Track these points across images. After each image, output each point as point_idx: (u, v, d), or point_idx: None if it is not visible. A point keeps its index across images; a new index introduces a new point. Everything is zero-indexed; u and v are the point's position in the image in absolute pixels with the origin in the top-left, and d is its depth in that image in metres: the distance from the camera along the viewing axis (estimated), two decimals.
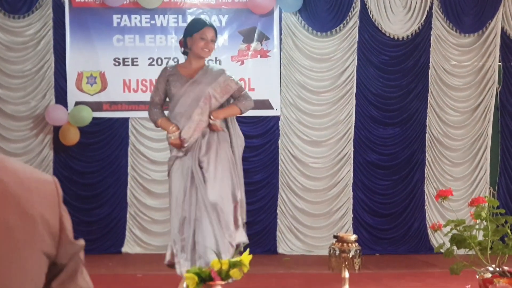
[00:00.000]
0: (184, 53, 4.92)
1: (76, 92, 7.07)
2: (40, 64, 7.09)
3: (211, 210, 4.61)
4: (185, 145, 4.69)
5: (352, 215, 7.26)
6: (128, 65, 7.12)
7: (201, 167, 4.71)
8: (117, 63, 7.11)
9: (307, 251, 7.13)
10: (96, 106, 7.07)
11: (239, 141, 4.97)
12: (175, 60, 7.06)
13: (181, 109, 4.73)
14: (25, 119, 7.09)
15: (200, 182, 4.67)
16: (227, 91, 4.82)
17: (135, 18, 7.12)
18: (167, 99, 4.92)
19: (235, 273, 3.83)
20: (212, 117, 4.69)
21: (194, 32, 4.78)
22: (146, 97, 7.03)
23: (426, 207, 7.31)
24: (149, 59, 7.13)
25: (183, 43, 4.88)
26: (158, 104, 4.90)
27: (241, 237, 4.69)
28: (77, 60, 7.08)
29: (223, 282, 3.82)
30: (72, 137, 7.00)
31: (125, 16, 7.11)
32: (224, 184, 4.69)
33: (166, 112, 4.96)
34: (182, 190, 4.73)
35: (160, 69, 6.98)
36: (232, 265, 3.83)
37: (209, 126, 4.71)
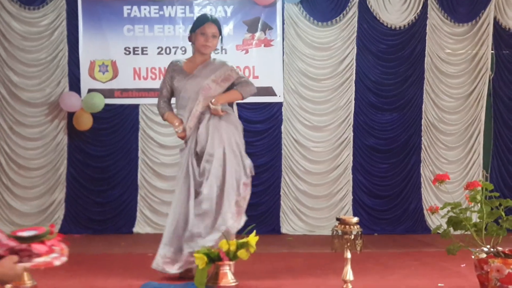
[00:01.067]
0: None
1: (89, 79, 7.05)
2: (54, 53, 7.07)
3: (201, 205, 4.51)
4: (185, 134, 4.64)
5: (351, 197, 7.25)
6: (138, 54, 7.09)
7: (197, 161, 4.63)
8: (127, 52, 7.09)
9: (309, 231, 7.13)
10: (108, 93, 7.06)
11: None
12: (183, 49, 7.04)
13: (182, 103, 4.65)
14: (41, 105, 7.08)
15: (194, 176, 4.61)
16: (228, 79, 4.69)
17: (145, 9, 7.09)
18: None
19: (242, 254, 3.83)
20: (212, 101, 4.60)
21: (197, 28, 4.67)
22: (155, 84, 7.05)
23: (422, 189, 7.30)
24: (158, 48, 7.11)
25: (190, 39, 4.76)
26: (165, 96, 4.80)
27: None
28: (89, 49, 7.06)
29: (231, 262, 3.82)
30: (85, 122, 7.00)
31: (135, 7, 7.08)
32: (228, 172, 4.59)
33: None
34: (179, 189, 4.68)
35: (169, 58, 7.00)
36: (240, 246, 3.82)
37: (210, 111, 4.62)
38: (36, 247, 2.57)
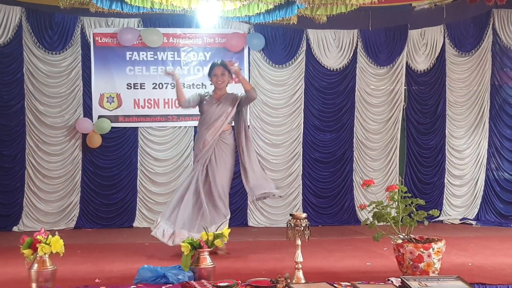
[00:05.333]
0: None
1: (99, 108, 6.96)
2: (72, 87, 6.97)
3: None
4: (206, 145, 4.96)
5: (302, 197, 7.26)
6: (137, 88, 7.03)
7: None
8: (129, 87, 7.02)
9: (269, 224, 7.10)
10: (114, 118, 6.98)
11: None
12: (172, 84, 7.00)
13: (208, 121, 5.00)
14: (61, 128, 6.97)
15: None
16: (235, 103, 5.05)
17: (143, 54, 7.04)
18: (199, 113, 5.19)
19: (218, 242, 3.79)
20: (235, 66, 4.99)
21: (210, 73, 5.10)
22: (151, 112, 7.03)
23: (354, 191, 7.33)
24: (153, 84, 7.06)
25: (211, 81, 5.18)
26: (187, 99, 5.10)
27: None
28: (99, 85, 6.97)
29: (209, 249, 3.78)
30: (96, 141, 6.90)
31: (135, 52, 7.03)
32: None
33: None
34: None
35: (162, 92, 7.03)
36: (216, 236, 3.79)
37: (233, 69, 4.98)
38: None
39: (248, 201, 7.14)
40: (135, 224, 7.02)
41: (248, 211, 7.16)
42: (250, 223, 7.12)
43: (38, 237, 3.64)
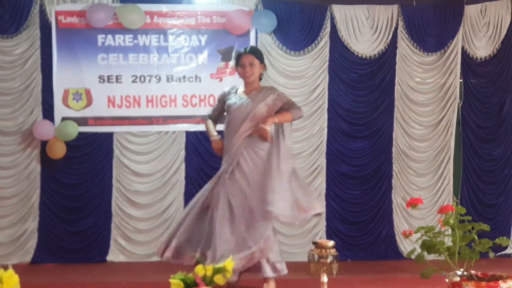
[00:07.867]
0: None
1: (63, 108, 6.98)
2: (28, 81, 6.99)
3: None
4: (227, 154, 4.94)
5: (325, 223, 7.21)
6: (112, 82, 7.05)
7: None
8: (102, 80, 7.04)
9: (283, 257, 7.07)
10: (82, 121, 6.99)
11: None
12: (157, 77, 7.04)
13: (232, 123, 4.95)
14: (13, 134, 6.98)
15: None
16: (274, 108, 4.98)
17: (119, 38, 7.06)
18: (225, 113, 5.13)
19: (218, 279, 3.76)
20: (262, 124, 4.84)
21: (236, 64, 5.11)
22: (129, 112, 7.03)
23: (394, 215, 7.31)
24: (133, 76, 7.07)
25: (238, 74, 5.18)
26: (214, 115, 5.22)
27: None
28: (63, 78, 6.99)
29: None
30: (58, 151, 6.91)
31: (109, 36, 7.05)
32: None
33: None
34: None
35: (144, 86, 7.05)
36: (216, 271, 3.75)
37: (259, 131, 4.84)
38: None
39: None
40: (109, 257, 7.01)
41: None
42: None
43: None
